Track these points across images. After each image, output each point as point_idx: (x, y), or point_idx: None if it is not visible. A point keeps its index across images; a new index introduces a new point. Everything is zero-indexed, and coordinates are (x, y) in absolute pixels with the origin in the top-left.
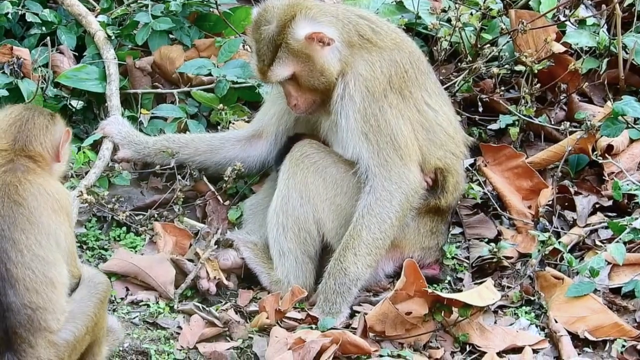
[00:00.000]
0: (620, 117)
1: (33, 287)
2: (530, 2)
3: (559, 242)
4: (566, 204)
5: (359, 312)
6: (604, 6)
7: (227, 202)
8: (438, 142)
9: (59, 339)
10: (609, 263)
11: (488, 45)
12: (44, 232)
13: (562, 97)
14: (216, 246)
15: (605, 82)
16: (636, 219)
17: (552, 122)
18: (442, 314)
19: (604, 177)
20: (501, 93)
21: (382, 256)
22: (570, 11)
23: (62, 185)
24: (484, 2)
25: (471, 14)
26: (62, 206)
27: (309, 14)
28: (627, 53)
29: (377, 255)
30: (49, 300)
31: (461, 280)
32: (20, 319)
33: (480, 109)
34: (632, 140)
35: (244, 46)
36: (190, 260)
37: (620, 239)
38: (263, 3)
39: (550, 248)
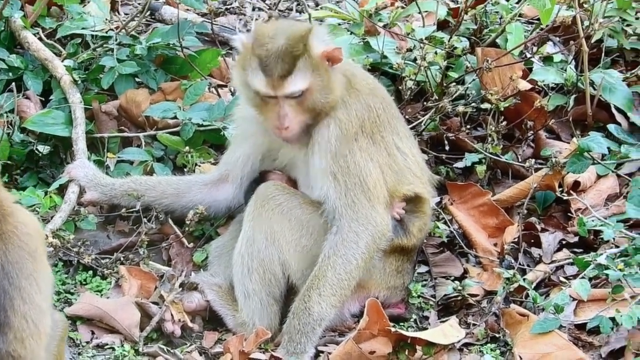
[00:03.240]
0: (586, 154)
1: (21, 336)
2: (497, 40)
3: (524, 279)
4: (532, 240)
5: (324, 352)
6: (572, 42)
7: (191, 245)
8: (406, 181)
9: None
10: (574, 299)
11: (454, 83)
12: (43, 278)
13: (529, 135)
14: (180, 289)
15: (571, 119)
16: (601, 254)
17: (520, 160)
18: (406, 353)
19: (570, 214)
20: (468, 131)
21: (347, 297)
22: (537, 48)
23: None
24: (449, 41)
25: (435, 52)
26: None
27: (321, 31)
28: (594, 89)
29: (341, 296)
30: (31, 351)
31: (427, 318)
32: None
33: (447, 147)
34: (599, 176)
35: (209, 89)
36: (156, 303)
37: (585, 275)
38: (252, 26)
39: (516, 285)
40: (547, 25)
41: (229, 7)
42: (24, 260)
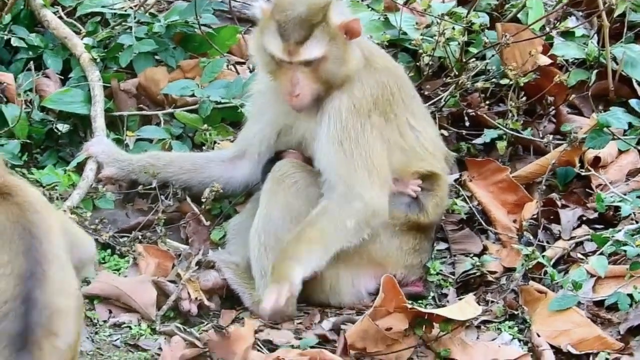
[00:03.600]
0: (605, 129)
1: (58, 289)
2: (519, 15)
3: (543, 256)
4: (551, 217)
5: (341, 330)
6: (594, 17)
7: (209, 223)
8: (419, 159)
9: (62, 343)
10: (592, 276)
11: (473, 59)
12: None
13: (550, 110)
14: (197, 267)
15: (593, 94)
16: (619, 231)
17: (541, 135)
18: (423, 329)
19: (591, 190)
20: (488, 107)
21: (329, 256)
22: (559, 23)
23: None
24: (466, 16)
25: (453, 28)
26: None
27: (342, 4)
28: (617, 64)
29: (322, 250)
30: (67, 305)
31: (446, 296)
32: (41, 319)
33: (467, 124)
34: (620, 152)
35: (227, 66)
36: (173, 282)
37: (603, 251)
38: None
39: (534, 262)
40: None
41: None
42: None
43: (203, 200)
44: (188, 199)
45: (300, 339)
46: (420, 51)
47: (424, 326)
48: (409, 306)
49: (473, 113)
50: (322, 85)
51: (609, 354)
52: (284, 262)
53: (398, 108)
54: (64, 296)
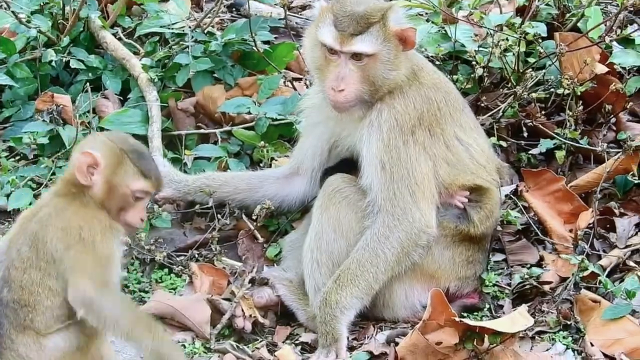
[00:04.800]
0: None
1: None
2: (579, 24)
3: (595, 265)
4: (608, 225)
5: (393, 343)
6: None
7: (262, 240)
8: (467, 172)
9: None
10: None
11: (530, 69)
12: None
13: (609, 118)
14: (251, 284)
15: None
16: None
17: (601, 144)
18: (474, 342)
19: None
20: (549, 116)
21: (375, 289)
22: (620, 31)
23: None
24: (520, 27)
25: (506, 39)
26: None
27: (401, 13)
28: None
29: (367, 288)
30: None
31: (502, 307)
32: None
33: (525, 134)
34: None
35: (284, 82)
36: (228, 300)
37: None
38: None
39: (588, 272)
40: (630, 7)
41: None
42: None
43: (254, 217)
44: (244, 217)
45: (352, 349)
46: (474, 63)
47: (474, 339)
48: (458, 319)
49: (531, 123)
50: (367, 88)
51: None
52: (329, 315)
53: (445, 122)
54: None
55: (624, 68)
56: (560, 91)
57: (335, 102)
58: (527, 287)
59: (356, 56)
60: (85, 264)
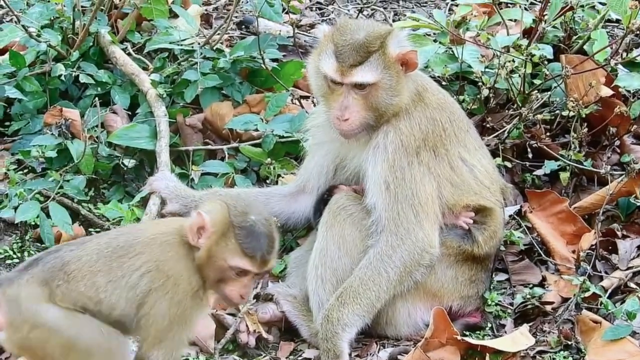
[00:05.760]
0: None
1: None
2: (585, 47)
3: (596, 286)
4: (610, 247)
5: None
6: None
7: None
8: (471, 193)
9: None
10: None
11: (536, 91)
12: None
13: (614, 141)
14: (255, 300)
15: None
16: None
17: (605, 166)
18: None
19: None
20: (554, 138)
21: (377, 308)
22: (625, 54)
23: None
24: (526, 49)
25: (512, 60)
26: None
27: (402, 35)
28: None
29: (368, 306)
30: None
31: (504, 326)
32: None
33: (530, 155)
34: None
35: (292, 100)
36: (232, 315)
37: None
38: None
39: (590, 293)
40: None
41: (325, 18)
42: None
43: None
44: None
45: None
46: (480, 84)
47: (476, 358)
48: (460, 338)
49: (536, 144)
50: (372, 114)
51: None
52: (330, 332)
53: (450, 143)
54: None
55: (628, 91)
56: (565, 113)
57: (342, 131)
58: (529, 307)
59: (358, 86)
60: (161, 327)
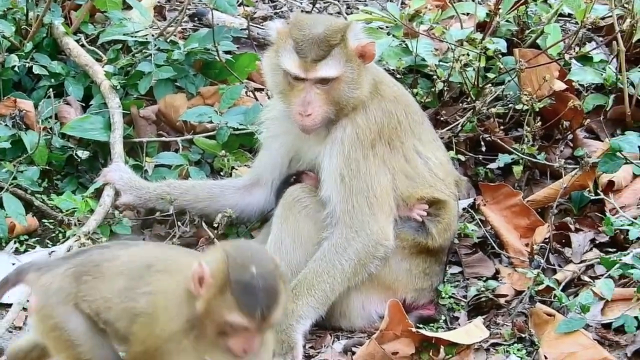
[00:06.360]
0: (618, 153)
1: None
2: (539, 41)
3: (550, 279)
4: (563, 241)
5: (349, 353)
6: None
7: None
8: (425, 185)
9: None
10: (600, 299)
11: (490, 85)
12: None
13: (566, 135)
14: None
15: (612, 119)
16: (627, 254)
17: (559, 160)
18: (430, 353)
19: (605, 214)
20: (507, 132)
21: (331, 300)
22: (579, 48)
23: None
24: (480, 42)
25: (467, 54)
26: None
27: (358, 28)
28: (634, 89)
29: (322, 298)
30: None
31: (457, 319)
32: None
33: (484, 149)
34: (635, 176)
35: (246, 93)
36: None
37: (610, 274)
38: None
39: (543, 286)
40: (589, 25)
41: (278, 11)
42: None
43: (215, 225)
44: (204, 225)
45: (309, 358)
46: (434, 77)
47: (430, 350)
48: (415, 330)
49: (489, 138)
50: (333, 108)
51: None
52: (285, 323)
53: (405, 135)
54: None
55: (582, 85)
56: (519, 107)
57: (304, 127)
58: (483, 299)
59: (321, 80)
60: (137, 350)
